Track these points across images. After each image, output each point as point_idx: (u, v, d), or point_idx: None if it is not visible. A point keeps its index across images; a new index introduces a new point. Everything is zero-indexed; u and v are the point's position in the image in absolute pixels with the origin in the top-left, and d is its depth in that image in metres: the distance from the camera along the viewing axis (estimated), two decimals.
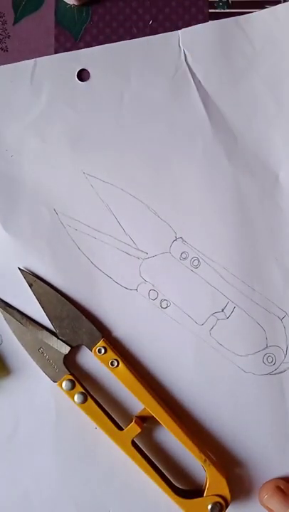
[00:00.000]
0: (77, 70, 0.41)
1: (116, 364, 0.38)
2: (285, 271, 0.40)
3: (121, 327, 0.40)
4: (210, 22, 0.41)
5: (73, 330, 0.39)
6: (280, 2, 0.41)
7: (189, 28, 0.41)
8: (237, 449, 0.39)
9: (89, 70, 0.41)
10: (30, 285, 0.39)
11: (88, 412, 0.38)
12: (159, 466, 0.38)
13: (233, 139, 0.41)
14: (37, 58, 0.41)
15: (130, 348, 0.39)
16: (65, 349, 0.39)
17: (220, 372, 0.39)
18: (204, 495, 0.37)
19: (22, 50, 0.42)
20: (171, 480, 0.38)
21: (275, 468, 0.39)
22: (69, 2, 0.42)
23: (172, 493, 0.37)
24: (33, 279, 0.39)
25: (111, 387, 0.39)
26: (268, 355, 0.39)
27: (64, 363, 0.38)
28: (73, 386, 0.38)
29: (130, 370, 0.38)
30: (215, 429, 0.39)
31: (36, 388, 0.39)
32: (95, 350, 0.38)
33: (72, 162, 0.40)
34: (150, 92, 0.41)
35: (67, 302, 0.39)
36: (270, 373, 0.39)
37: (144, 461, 0.37)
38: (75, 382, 0.38)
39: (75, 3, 0.42)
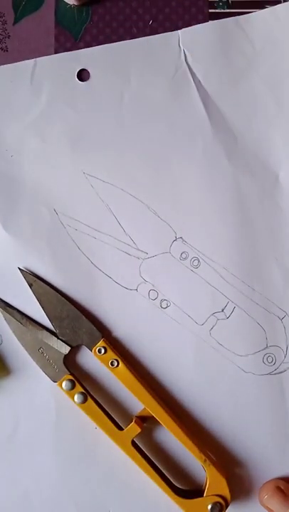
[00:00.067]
0: (77, 70, 0.41)
1: (116, 364, 0.38)
2: (285, 271, 0.40)
3: (121, 327, 0.40)
4: (210, 22, 0.41)
5: (73, 330, 0.39)
6: (280, 2, 0.41)
7: (189, 28, 0.41)
8: (237, 449, 0.39)
9: (89, 70, 0.41)
10: (30, 285, 0.39)
11: (88, 412, 0.38)
12: (159, 466, 0.38)
13: (233, 139, 0.41)
14: (37, 58, 0.41)
15: (130, 348, 0.39)
16: (65, 349, 0.39)
17: (220, 372, 0.39)
18: (204, 495, 0.37)
19: (22, 50, 0.42)
20: (171, 480, 0.38)
21: (275, 468, 0.39)
22: (69, 2, 0.42)
23: (172, 493, 0.37)
24: (33, 279, 0.39)
25: (111, 387, 0.39)
26: (268, 355, 0.39)
27: (64, 363, 0.38)
28: (73, 386, 0.38)
29: (130, 370, 0.38)
30: (215, 429, 0.39)
31: (36, 388, 0.39)
32: (95, 350, 0.38)
33: (72, 162, 0.40)
34: (150, 92, 0.41)
35: (67, 302, 0.39)
36: (270, 373, 0.39)
37: (144, 461, 0.37)
38: (75, 382, 0.38)
39: (75, 3, 0.42)
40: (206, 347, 0.39)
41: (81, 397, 0.38)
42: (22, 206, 0.40)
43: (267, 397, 0.39)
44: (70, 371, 0.38)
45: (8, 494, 0.39)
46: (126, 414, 0.39)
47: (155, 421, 0.38)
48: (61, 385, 0.38)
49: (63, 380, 0.38)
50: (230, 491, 0.37)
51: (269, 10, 0.41)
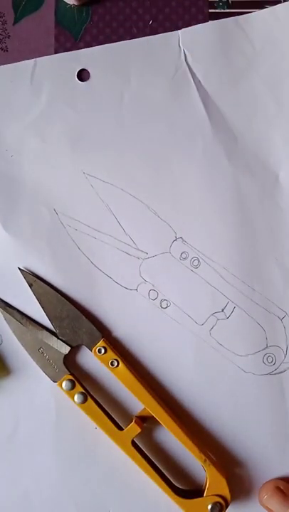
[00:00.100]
0: (77, 70, 0.41)
1: (116, 364, 0.38)
2: (285, 271, 0.40)
3: (121, 327, 0.40)
4: (210, 22, 0.41)
5: (73, 330, 0.39)
6: (280, 2, 0.41)
7: (189, 28, 0.41)
8: (237, 449, 0.39)
9: (89, 70, 0.41)
10: (30, 285, 0.39)
11: (88, 412, 0.38)
12: (159, 466, 0.38)
13: (233, 139, 0.41)
14: (37, 58, 0.41)
15: (130, 348, 0.39)
16: (65, 349, 0.39)
17: (220, 372, 0.39)
18: (204, 495, 0.37)
19: (22, 50, 0.42)
20: (171, 480, 0.38)
21: (275, 468, 0.39)
22: (69, 2, 0.42)
23: (172, 493, 0.37)
24: (33, 279, 0.39)
25: (111, 387, 0.39)
26: (268, 355, 0.39)
27: (64, 363, 0.38)
28: (73, 386, 0.38)
29: (130, 370, 0.38)
30: (215, 429, 0.39)
31: (36, 388, 0.39)
32: (95, 350, 0.38)
33: (72, 162, 0.40)
34: (150, 92, 0.41)
35: (67, 302, 0.39)
36: (270, 373, 0.39)
37: (144, 461, 0.37)
38: (75, 382, 0.38)
39: (75, 3, 0.42)
40: (206, 347, 0.39)
41: (81, 397, 0.38)
42: (22, 206, 0.40)
43: (267, 397, 0.39)
44: (70, 371, 0.38)
45: (8, 494, 0.39)
46: (126, 414, 0.39)
47: (155, 421, 0.38)
48: (61, 385, 0.38)
49: (63, 380, 0.38)
50: (230, 491, 0.37)
51: (269, 10, 0.41)
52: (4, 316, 0.39)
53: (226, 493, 0.37)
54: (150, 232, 0.40)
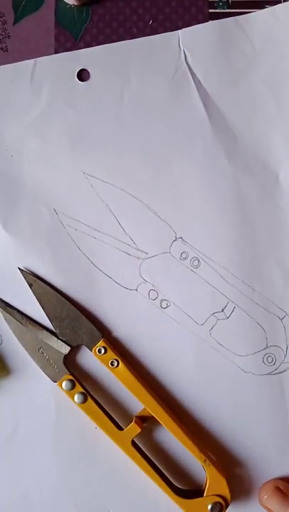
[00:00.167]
0: (77, 70, 0.41)
1: (116, 364, 0.38)
2: (285, 271, 0.40)
3: (121, 327, 0.40)
4: (210, 22, 0.41)
5: (73, 330, 0.39)
6: (280, 2, 0.41)
7: (189, 28, 0.41)
8: (237, 449, 0.39)
9: (89, 70, 0.41)
10: (30, 285, 0.39)
11: (88, 412, 0.38)
12: (159, 466, 0.38)
13: (233, 139, 0.41)
14: (37, 58, 0.41)
15: (130, 348, 0.39)
16: (65, 349, 0.39)
17: (220, 372, 0.39)
18: (204, 495, 0.37)
19: (22, 50, 0.42)
20: (171, 480, 0.38)
21: (275, 468, 0.39)
22: (69, 2, 0.42)
23: (172, 493, 0.37)
24: (33, 279, 0.39)
25: (111, 387, 0.39)
26: (268, 355, 0.39)
27: (64, 363, 0.38)
28: (73, 386, 0.38)
29: (130, 370, 0.38)
30: (215, 429, 0.39)
31: (36, 388, 0.39)
32: (95, 350, 0.38)
33: (72, 162, 0.40)
34: (150, 92, 0.41)
35: (67, 302, 0.39)
36: (270, 373, 0.39)
37: (144, 461, 0.37)
38: (75, 382, 0.38)
39: (75, 3, 0.42)
40: (206, 347, 0.39)
41: (81, 397, 0.38)
42: (22, 206, 0.40)
43: (267, 397, 0.39)
44: (70, 371, 0.38)
45: (8, 494, 0.39)
46: (126, 414, 0.39)
47: (155, 421, 0.38)
48: (61, 385, 0.38)
49: (63, 380, 0.38)
50: (230, 491, 0.37)
51: (269, 10, 0.41)
52: (4, 316, 0.39)
53: (226, 493, 0.37)
54: (150, 232, 0.40)
